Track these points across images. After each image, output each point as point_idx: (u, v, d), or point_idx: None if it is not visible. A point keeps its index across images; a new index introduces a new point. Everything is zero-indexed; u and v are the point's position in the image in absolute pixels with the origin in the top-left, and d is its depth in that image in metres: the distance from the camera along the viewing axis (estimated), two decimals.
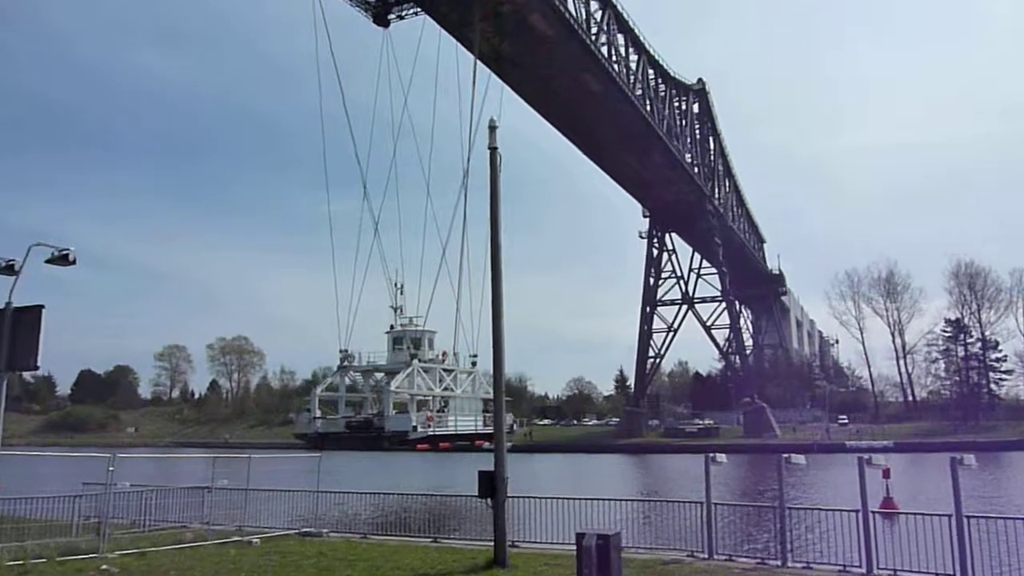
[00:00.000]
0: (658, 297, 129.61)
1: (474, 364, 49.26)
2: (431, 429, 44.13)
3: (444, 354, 49.78)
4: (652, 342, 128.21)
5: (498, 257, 17.75)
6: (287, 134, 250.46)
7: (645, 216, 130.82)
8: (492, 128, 18.28)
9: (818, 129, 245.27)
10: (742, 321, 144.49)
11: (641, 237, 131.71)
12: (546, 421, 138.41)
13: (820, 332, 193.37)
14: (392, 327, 50.03)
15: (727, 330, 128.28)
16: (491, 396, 55.14)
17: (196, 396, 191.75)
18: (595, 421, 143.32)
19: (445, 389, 47.91)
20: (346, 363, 48.03)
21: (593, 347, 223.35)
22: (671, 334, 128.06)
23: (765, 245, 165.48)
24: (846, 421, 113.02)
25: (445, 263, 40.48)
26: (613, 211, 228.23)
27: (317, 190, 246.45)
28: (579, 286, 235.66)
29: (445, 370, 48.56)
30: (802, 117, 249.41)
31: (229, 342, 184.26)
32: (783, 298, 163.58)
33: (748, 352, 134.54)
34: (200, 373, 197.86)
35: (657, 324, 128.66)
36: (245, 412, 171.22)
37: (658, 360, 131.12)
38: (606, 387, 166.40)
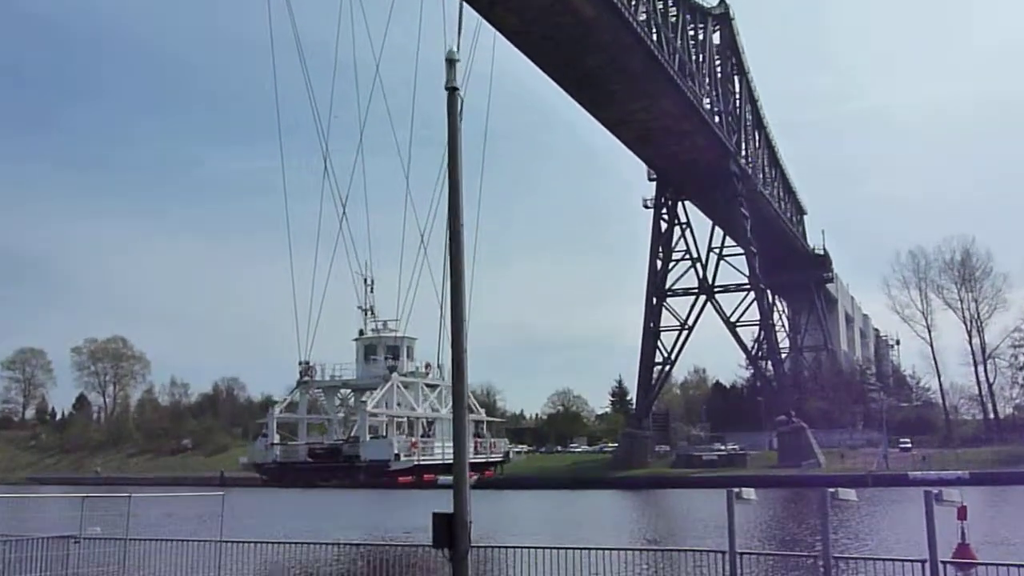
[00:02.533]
0: (668, 285, 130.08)
1: None
2: (416, 458, 45.10)
3: (428, 366, 50.76)
4: (660, 343, 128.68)
5: (458, 230, 17.65)
6: (186, 70, 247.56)
7: (651, 179, 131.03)
8: (451, 62, 18.03)
9: (884, 74, 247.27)
10: (776, 316, 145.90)
11: (646, 206, 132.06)
12: (523, 447, 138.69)
13: (876, 330, 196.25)
14: (362, 333, 50.82)
15: (756, 328, 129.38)
16: (482, 418, 56.34)
17: (58, 416, 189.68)
18: (586, 447, 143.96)
19: (429, 409, 49.01)
20: (307, 378, 48.94)
21: (583, 351, 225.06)
22: (685, 333, 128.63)
23: (806, 218, 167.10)
24: (909, 445, 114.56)
25: (425, 254, 40.40)
26: (613, 174, 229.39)
27: (226, 145, 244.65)
28: (565, 273, 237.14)
29: (428, 385, 49.67)
30: (864, 58, 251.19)
31: (102, 344, 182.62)
32: (828, 286, 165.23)
33: (783, 356, 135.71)
34: (63, 386, 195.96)
35: (667, 320, 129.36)
36: (123, 437, 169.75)
37: (668, 367, 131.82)
38: (600, 403, 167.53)
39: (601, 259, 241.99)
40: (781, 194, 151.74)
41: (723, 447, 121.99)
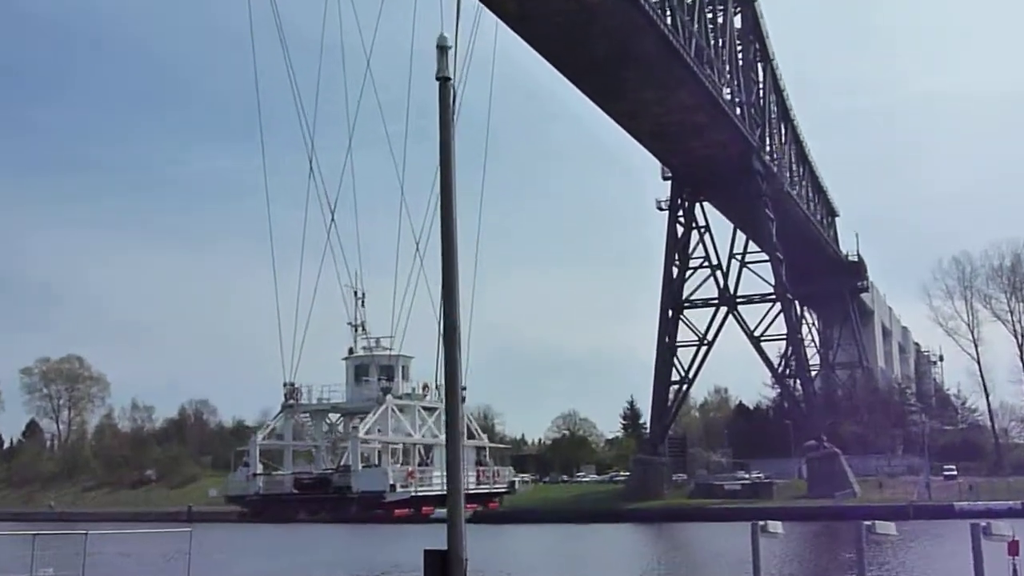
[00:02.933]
0: (685, 296, 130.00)
1: (463, 400, 50.24)
2: (413, 489, 45.34)
3: (425, 387, 51.05)
4: (676, 360, 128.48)
5: (452, 232, 17.66)
6: (186, 70, 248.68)
7: (666, 178, 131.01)
8: (442, 49, 18.08)
9: (926, 60, 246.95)
10: (805, 329, 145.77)
11: (660, 208, 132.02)
12: (524, 476, 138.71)
13: (917, 345, 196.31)
14: (352, 351, 51.13)
15: (783, 343, 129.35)
16: (484, 444, 56.48)
17: (6, 444, 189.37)
18: (595, 476, 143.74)
19: (428, 435, 49.26)
20: (292, 401, 49.28)
21: (590, 368, 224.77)
22: (704, 348, 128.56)
23: (838, 220, 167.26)
24: (954, 472, 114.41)
25: (422, 264, 40.50)
26: (623, 171, 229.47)
27: (223, 145, 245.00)
28: (571, 281, 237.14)
29: (426, 408, 49.95)
30: (893, 42, 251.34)
31: (55, 364, 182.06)
32: (863, 296, 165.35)
33: (813, 374, 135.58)
34: (12, 411, 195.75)
35: (684, 334, 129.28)
36: (79, 467, 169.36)
37: (685, 387, 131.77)
38: (610, 427, 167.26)
39: (610, 266, 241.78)
40: (810, 194, 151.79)
41: (747, 475, 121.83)
